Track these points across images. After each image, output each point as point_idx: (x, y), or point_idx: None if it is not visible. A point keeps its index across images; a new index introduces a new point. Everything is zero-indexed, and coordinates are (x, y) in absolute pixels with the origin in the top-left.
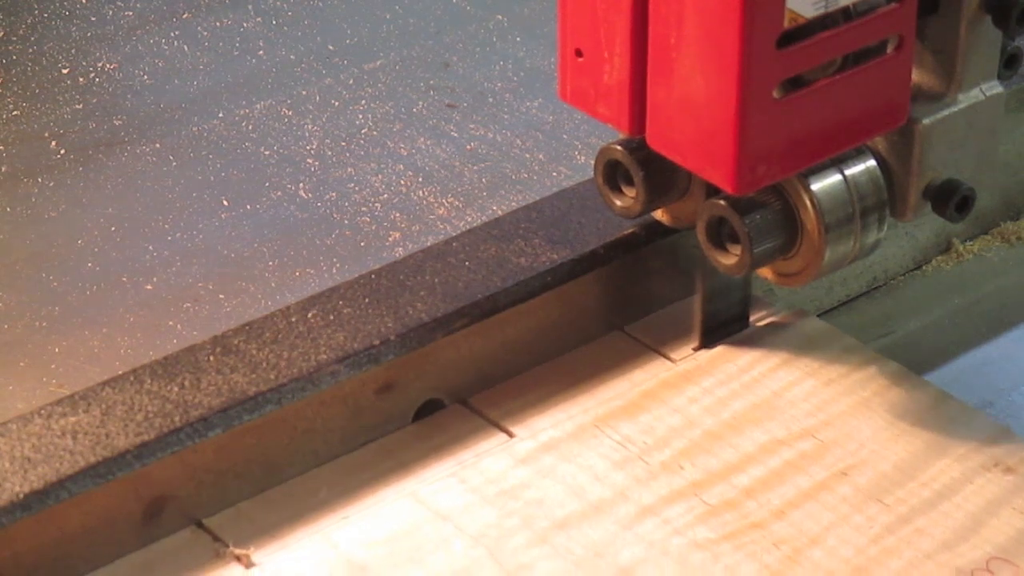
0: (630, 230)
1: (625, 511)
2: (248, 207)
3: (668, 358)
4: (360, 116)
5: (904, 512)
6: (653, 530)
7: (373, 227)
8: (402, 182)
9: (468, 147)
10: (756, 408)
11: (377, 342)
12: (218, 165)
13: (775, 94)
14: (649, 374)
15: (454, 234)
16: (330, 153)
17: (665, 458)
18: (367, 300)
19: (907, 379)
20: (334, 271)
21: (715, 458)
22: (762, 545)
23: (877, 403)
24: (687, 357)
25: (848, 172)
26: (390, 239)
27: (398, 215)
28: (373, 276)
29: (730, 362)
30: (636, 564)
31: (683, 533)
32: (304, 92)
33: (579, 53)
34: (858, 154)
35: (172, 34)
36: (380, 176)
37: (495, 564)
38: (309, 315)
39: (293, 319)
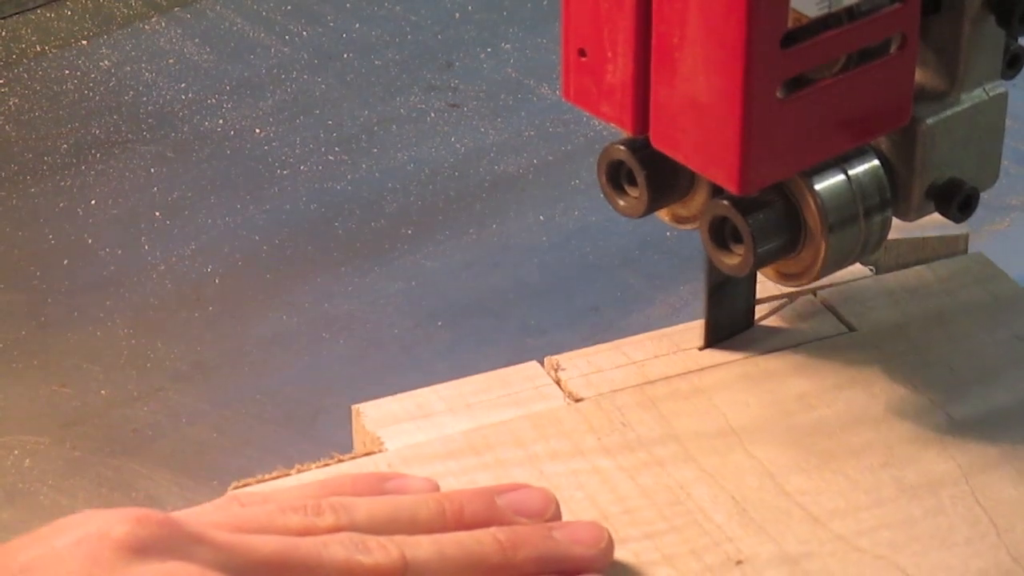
0: None
1: None
2: (248, 207)
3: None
4: (361, 116)
5: None
6: None
7: (374, 227)
8: (403, 182)
9: (470, 147)
10: None
11: None
12: (218, 165)
13: (778, 94)
14: None
15: (454, 234)
16: (330, 153)
17: None
18: None
19: None
20: (335, 271)
21: None
22: None
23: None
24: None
25: (851, 172)
26: (391, 239)
27: (399, 215)
28: None
29: None
30: None
31: None
32: (304, 92)
33: (582, 53)
34: (861, 154)
35: (172, 33)
36: (380, 176)
37: None
38: None
39: None
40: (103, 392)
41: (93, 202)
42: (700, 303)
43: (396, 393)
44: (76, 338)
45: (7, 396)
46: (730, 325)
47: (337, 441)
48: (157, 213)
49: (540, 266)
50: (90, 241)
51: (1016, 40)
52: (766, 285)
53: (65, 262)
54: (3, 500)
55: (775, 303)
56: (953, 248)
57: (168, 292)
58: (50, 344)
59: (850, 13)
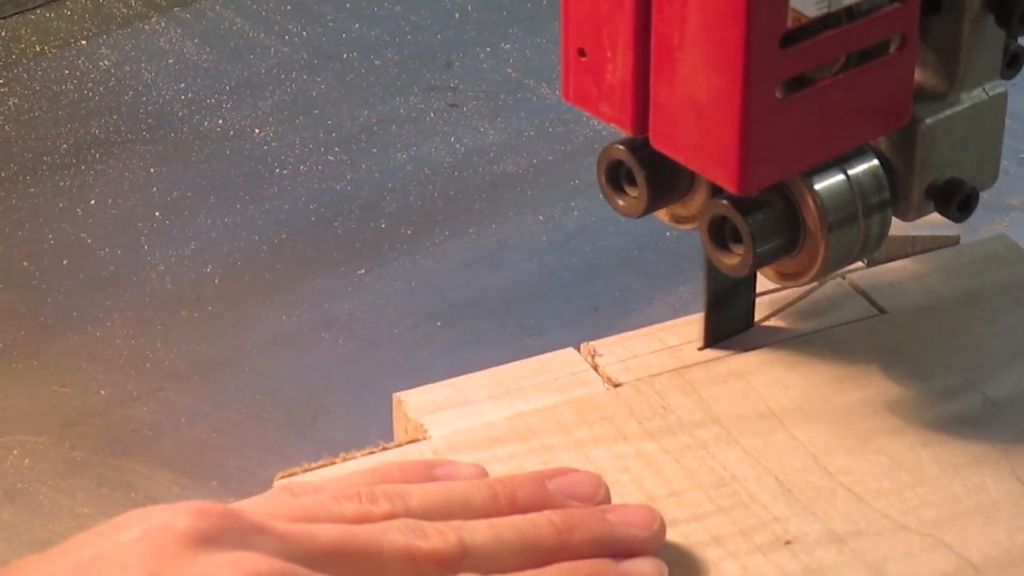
0: None
1: None
2: (248, 207)
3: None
4: (360, 116)
5: None
6: None
7: (373, 227)
8: (402, 182)
9: (469, 147)
10: None
11: None
12: (217, 165)
13: (778, 94)
14: None
15: (454, 234)
16: (330, 153)
17: None
18: None
19: None
20: (334, 271)
21: None
22: None
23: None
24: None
25: (851, 172)
26: (390, 239)
27: (398, 215)
28: None
29: None
30: None
31: None
32: (304, 92)
33: (582, 52)
34: (861, 153)
35: (172, 33)
36: (380, 176)
37: None
38: None
39: None
40: (103, 392)
41: (92, 202)
42: (700, 303)
43: (395, 394)
44: (76, 338)
45: (7, 396)
46: (729, 327)
47: (337, 441)
48: (156, 213)
49: (540, 266)
50: (89, 241)
51: (1016, 40)
52: None
53: (65, 262)
54: (3, 500)
55: (805, 288)
56: (944, 247)
57: (168, 292)
58: (50, 344)
59: (850, 13)
